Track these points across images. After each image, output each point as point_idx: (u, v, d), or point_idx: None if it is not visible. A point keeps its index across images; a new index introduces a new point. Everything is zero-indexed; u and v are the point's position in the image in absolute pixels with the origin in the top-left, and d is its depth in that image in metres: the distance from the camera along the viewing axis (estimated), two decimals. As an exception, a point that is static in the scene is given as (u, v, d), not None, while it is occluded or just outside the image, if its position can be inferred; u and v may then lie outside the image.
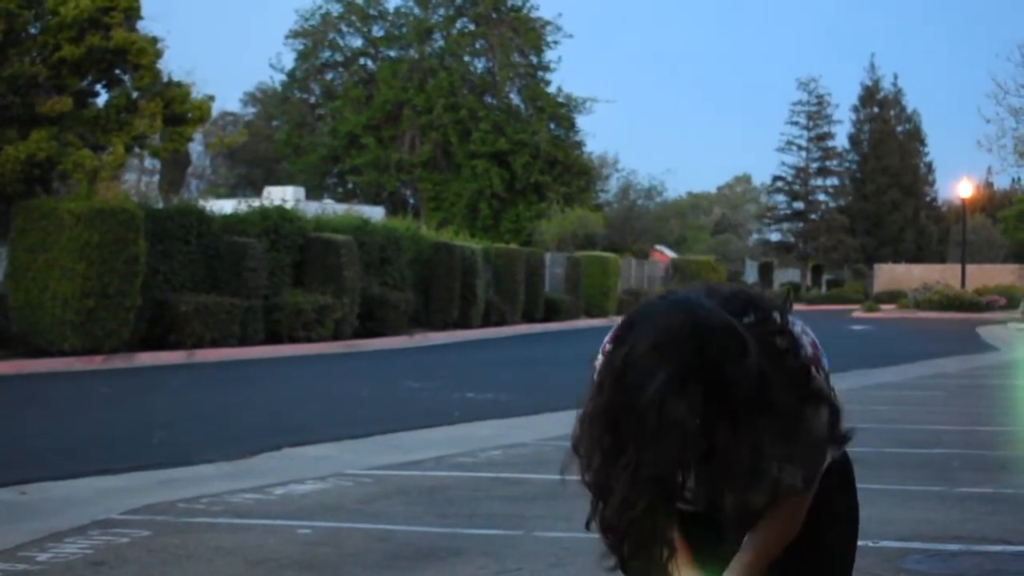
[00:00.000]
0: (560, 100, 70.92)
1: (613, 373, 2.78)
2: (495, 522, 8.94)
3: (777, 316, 2.92)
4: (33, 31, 27.30)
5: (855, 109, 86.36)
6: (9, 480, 10.44)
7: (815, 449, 2.97)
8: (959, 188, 64.77)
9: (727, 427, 2.69)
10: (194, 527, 8.74)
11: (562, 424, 13.40)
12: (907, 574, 7.33)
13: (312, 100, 74.52)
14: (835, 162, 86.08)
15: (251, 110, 78.60)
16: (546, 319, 43.16)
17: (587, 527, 3.09)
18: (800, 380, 2.88)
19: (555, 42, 71.52)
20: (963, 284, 58.52)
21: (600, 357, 3.05)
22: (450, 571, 7.48)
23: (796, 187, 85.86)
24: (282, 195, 42.19)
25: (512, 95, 70.96)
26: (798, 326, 3.01)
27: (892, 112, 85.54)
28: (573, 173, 69.24)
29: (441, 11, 71.40)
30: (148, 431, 14.09)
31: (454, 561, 7.74)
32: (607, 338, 3.01)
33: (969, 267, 60.81)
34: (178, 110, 28.57)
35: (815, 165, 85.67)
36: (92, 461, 11.67)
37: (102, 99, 28.76)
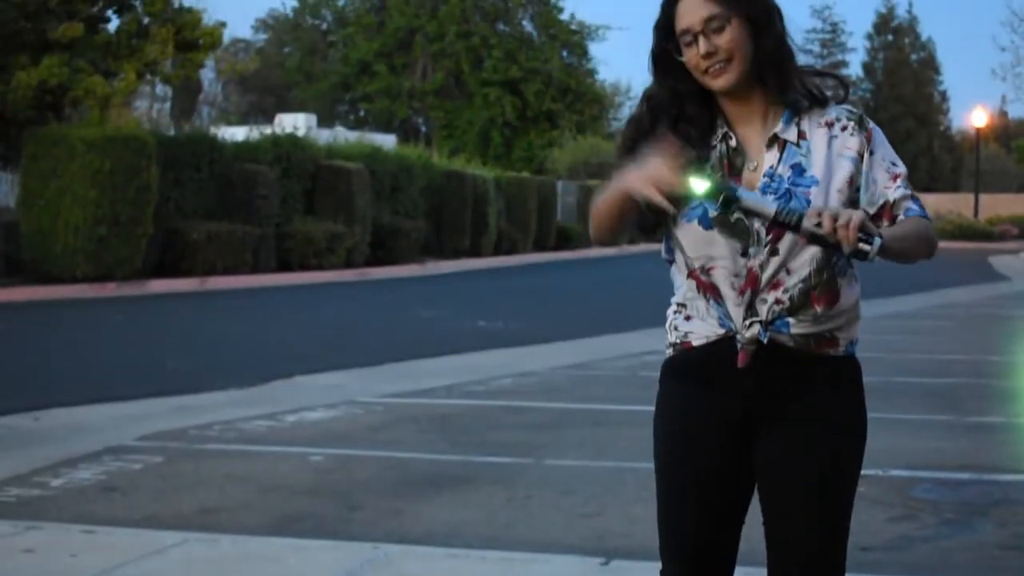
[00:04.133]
0: (573, 27, 70.48)
1: None
2: (505, 450, 8.98)
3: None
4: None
5: (869, 37, 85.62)
6: (22, 406, 10.49)
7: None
8: (973, 117, 64.39)
9: None
10: (206, 454, 8.79)
11: (573, 353, 13.48)
12: (916, 503, 7.36)
13: (324, 27, 74.15)
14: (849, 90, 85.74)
15: (263, 37, 78.07)
16: (558, 248, 43.08)
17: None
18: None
19: (568, -31, 71.17)
20: (976, 214, 58.26)
21: None
22: (460, 498, 7.52)
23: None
24: (294, 122, 42.00)
25: (525, 22, 70.51)
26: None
27: (906, 40, 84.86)
28: (586, 101, 68.96)
29: (453, -63, 70.88)
30: (160, 358, 14.14)
31: (465, 488, 7.78)
32: None
33: (982, 196, 60.50)
34: (189, 36, 28.46)
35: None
36: (105, 388, 11.72)
37: (113, 25, 28.66)
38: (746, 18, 3.16)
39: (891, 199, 3.21)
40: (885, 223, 3.20)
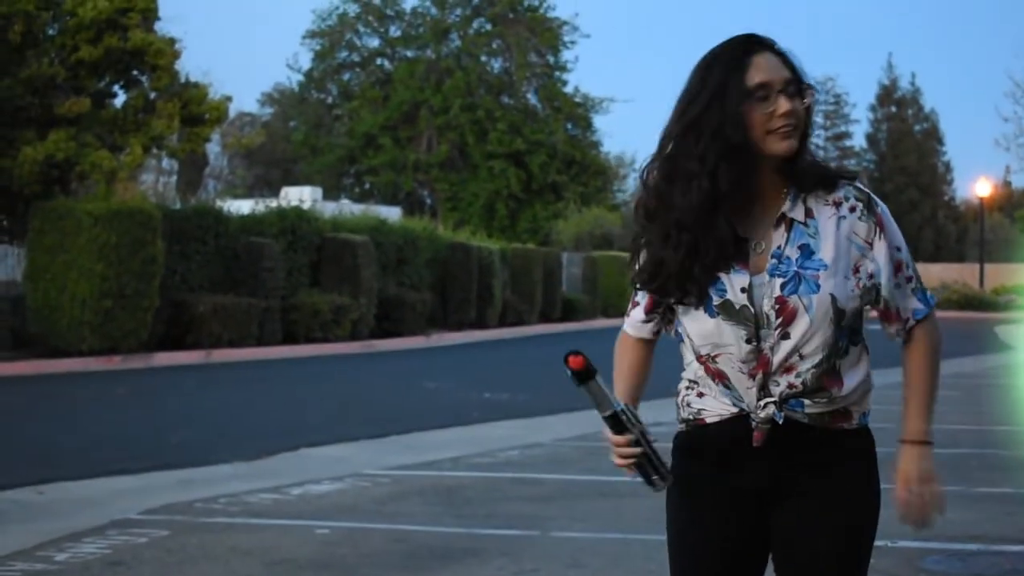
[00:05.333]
0: (577, 100, 70.79)
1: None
2: (512, 522, 8.93)
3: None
4: (51, 32, 27.36)
5: (872, 108, 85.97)
6: (27, 480, 10.46)
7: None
8: (977, 187, 64.54)
9: None
10: (212, 527, 8.75)
11: (579, 424, 13.41)
12: (926, 574, 7.30)
13: (329, 100, 74.44)
14: (853, 162, 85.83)
15: (268, 110, 78.39)
16: (563, 319, 43.03)
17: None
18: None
19: (572, 42, 71.39)
20: (981, 283, 58.26)
21: None
22: (467, 572, 7.48)
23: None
24: (299, 195, 42.19)
25: (529, 95, 70.82)
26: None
27: (910, 111, 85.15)
28: (590, 173, 69.15)
29: (458, 11, 71.27)
30: (166, 431, 14.11)
31: (471, 562, 7.73)
32: None
33: (987, 266, 60.52)
34: (195, 111, 28.61)
35: (833, 165, 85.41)
36: (110, 461, 11.69)
37: (120, 100, 28.82)
38: (808, 96, 3.16)
39: (900, 306, 3.23)
40: (893, 328, 3.26)
